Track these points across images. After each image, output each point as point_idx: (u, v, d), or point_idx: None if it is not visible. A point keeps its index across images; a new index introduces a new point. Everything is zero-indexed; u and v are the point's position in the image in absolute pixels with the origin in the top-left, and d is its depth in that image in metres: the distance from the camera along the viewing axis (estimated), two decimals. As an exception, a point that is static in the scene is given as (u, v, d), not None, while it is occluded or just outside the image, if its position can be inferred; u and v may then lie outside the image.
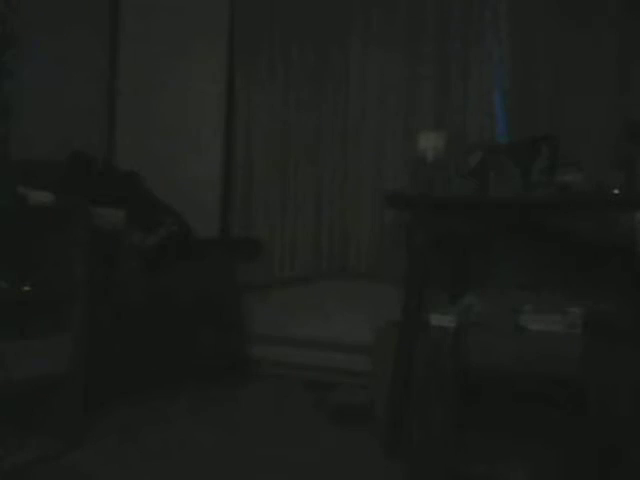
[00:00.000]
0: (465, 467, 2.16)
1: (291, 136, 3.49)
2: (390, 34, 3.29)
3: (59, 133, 3.30)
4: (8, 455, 2.19)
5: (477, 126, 3.10)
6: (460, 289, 2.77)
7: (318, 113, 3.44)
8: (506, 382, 2.17)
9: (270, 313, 3.54)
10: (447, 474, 2.17)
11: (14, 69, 3.06)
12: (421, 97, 3.23)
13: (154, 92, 3.76)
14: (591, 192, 2.34)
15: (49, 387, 2.38)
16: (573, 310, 2.25)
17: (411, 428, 2.29)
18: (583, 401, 2.03)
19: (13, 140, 3.06)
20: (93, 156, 3.44)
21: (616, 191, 2.28)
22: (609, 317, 2.27)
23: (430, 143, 2.69)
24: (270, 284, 3.55)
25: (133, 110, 3.81)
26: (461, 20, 3.16)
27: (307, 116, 3.46)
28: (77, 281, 2.43)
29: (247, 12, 3.58)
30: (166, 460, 2.33)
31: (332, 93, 3.42)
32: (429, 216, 2.47)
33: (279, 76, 3.50)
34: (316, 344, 3.42)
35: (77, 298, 2.43)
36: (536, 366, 2.13)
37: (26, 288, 2.34)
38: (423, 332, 2.32)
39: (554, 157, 2.46)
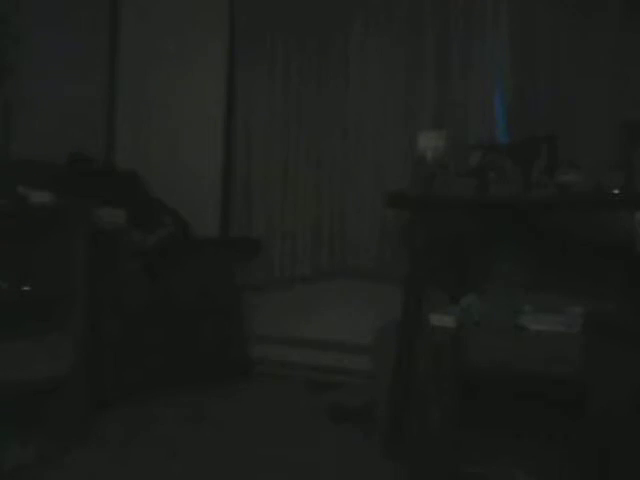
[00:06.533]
0: (465, 467, 2.16)
1: (291, 136, 3.49)
2: (390, 34, 3.29)
3: (59, 133, 3.30)
4: (8, 455, 2.19)
5: (477, 126, 3.10)
6: (460, 289, 2.76)
7: (318, 113, 3.44)
8: (506, 382, 2.17)
9: (270, 313, 3.54)
10: (447, 474, 2.16)
11: (15, 68, 3.06)
12: (421, 97, 3.23)
13: (154, 92, 3.76)
14: (591, 192, 2.34)
15: (50, 387, 2.38)
16: (573, 310, 2.25)
17: (411, 428, 2.29)
18: (583, 401, 2.03)
19: (13, 140, 3.06)
20: (93, 156, 3.44)
21: (616, 191, 2.28)
22: (609, 317, 2.26)
23: (430, 143, 2.69)
24: (270, 284, 3.55)
25: (133, 110, 3.81)
26: (461, 20, 3.16)
27: (307, 116, 3.46)
28: (77, 281, 2.43)
29: (247, 12, 3.58)
30: (167, 460, 2.33)
31: (332, 93, 3.42)
32: (429, 216, 2.47)
33: (279, 76, 3.50)
34: (316, 344, 3.42)
35: (77, 298, 2.43)
36: (536, 366, 2.13)
37: (26, 288, 2.34)
38: (423, 332, 2.32)
39: (554, 157, 2.46)
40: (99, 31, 3.76)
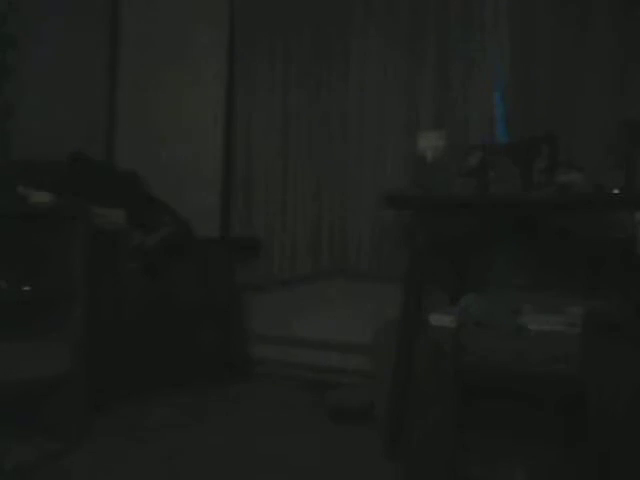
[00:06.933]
0: (465, 467, 2.16)
1: (291, 136, 3.49)
2: (390, 34, 3.28)
3: (59, 133, 3.30)
4: (8, 455, 2.19)
5: (477, 126, 3.10)
6: (460, 289, 2.76)
7: (318, 113, 3.44)
8: (506, 382, 2.17)
9: (270, 313, 3.54)
10: (447, 474, 2.16)
11: (15, 69, 3.06)
12: (421, 97, 3.23)
13: (154, 92, 3.76)
14: (591, 192, 2.33)
15: (49, 387, 2.38)
16: (573, 310, 2.25)
17: (411, 428, 2.29)
18: (583, 401, 2.03)
19: (14, 140, 3.06)
20: (93, 156, 3.44)
21: (616, 191, 2.28)
22: (609, 317, 2.26)
23: (430, 143, 2.69)
24: (270, 284, 3.55)
25: (133, 110, 3.81)
26: (461, 20, 3.15)
27: (307, 116, 3.46)
28: (77, 281, 2.43)
29: (247, 13, 3.58)
30: (167, 460, 2.33)
31: (332, 93, 3.41)
32: (429, 216, 2.47)
33: (279, 76, 3.50)
34: (316, 344, 3.42)
35: (77, 298, 2.43)
36: (536, 366, 2.13)
37: (26, 288, 2.34)
38: (423, 332, 2.32)
39: (554, 157, 2.46)
40: (99, 31, 3.76)
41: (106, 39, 3.80)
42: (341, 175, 3.40)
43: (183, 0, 3.74)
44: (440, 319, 2.29)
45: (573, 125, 2.89)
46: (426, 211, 2.47)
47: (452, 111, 3.16)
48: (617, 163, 2.40)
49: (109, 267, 2.89)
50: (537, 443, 2.17)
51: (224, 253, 3.50)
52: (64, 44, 3.44)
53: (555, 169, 2.42)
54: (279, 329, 3.51)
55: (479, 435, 2.23)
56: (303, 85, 3.46)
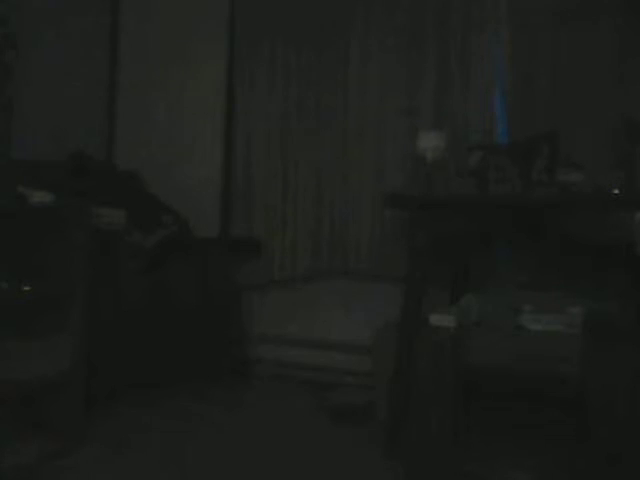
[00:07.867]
0: (465, 467, 2.16)
1: (290, 136, 3.49)
2: (390, 34, 3.28)
3: (59, 133, 3.30)
4: (8, 455, 2.19)
5: (477, 126, 3.10)
6: (460, 289, 2.76)
7: (318, 113, 3.44)
8: (506, 382, 2.17)
9: (270, 313, 3.54)
10: (447, 474, 2.17)
11: (15, 68, 3.06)
12: (421, 97, 3.23)
13: (154, 92, 3.76)
14: (591, 192, 2.34)
15: (50, 387, 2.38)
16: (573, 310, 2.25)
17: (411, 428, 2.29)
18: (583, 401, 2.03)
19: (14, 140, 3.06)
20: (93, 156, 3.44)
21: (616, 191, 2.28)
22: (609, 317, 2.26)
23: (430, 143, 2.69)
24: (270, 284, 3.55)
25: (133, 110, 3.81)
26: (461, 20, 3.15)
27: (307, 116, 3.46)
28: (77, 281, 2.43)
29: (247, 13, 3.58)
30: (166, 461, 2.33)
31: (332, 93, 3.41)
32: (429, 216, 2.47)
33: (279, 75, 3.50)
34: (316, 344, 3.42)
35: (77, 298, 2.43)
36: (536, 366, 2.13)
37: (26, 288, 2.34)
38: (423, 332, 2.32)
39: (554, 157, 2.46)
40: (99, 30, 3.76)
41: (106, 39, 3.80)
42: (341, 175, 3.40)
43: (183, 0, 3.74)
44: (440, 319, 2.29)
45: (573, 125, 2.88)
46: (426, 211, 2.47)
47: (452, 111, 3.17)
48: (617, 163, 2.41)
49: (109, 267, 2.89)
50: (537, 443, 2.17)
51: (224, 253, 3.50)
52: (64, 44, 3.43)
53: (555, 169, 2.42)
54: (279, 329, 3.51)
55: (479, 434, 2.24)
56: (303, 85, 3.46)
